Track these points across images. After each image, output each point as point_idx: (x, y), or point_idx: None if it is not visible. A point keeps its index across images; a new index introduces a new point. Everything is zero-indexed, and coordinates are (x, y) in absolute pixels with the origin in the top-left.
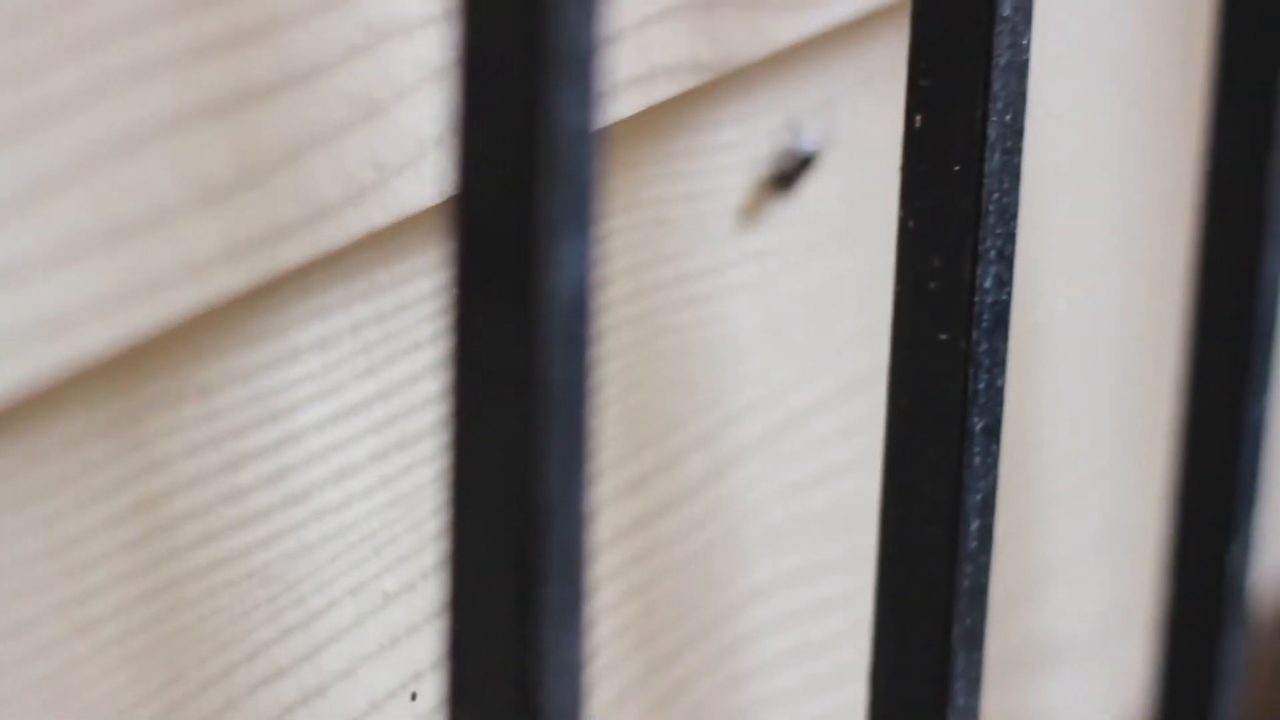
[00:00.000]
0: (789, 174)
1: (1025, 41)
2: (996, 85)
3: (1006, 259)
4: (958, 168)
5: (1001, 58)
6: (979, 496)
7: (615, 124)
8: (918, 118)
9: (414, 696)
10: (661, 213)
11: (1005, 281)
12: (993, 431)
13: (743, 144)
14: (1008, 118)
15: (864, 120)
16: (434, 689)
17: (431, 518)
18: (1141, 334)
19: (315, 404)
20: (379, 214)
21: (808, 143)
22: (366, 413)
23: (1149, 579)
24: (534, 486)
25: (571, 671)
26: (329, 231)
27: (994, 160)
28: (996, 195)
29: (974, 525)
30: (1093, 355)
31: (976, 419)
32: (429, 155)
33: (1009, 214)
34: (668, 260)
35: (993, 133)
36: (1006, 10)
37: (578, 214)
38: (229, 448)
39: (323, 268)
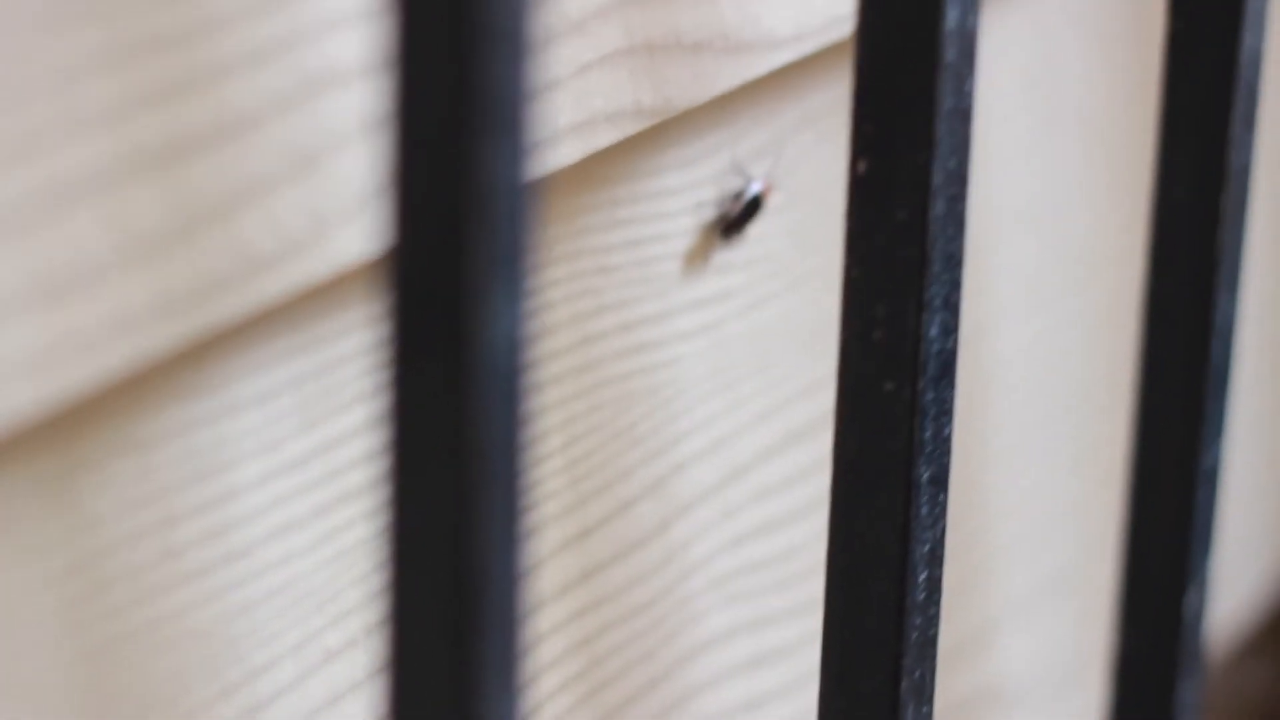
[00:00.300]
0: (735, 218)
1: (968, 88)
2: (941, 131)
3: (952, 307)
4: (902, 215)
5: (945, 103)
6: (926, 547)
7: (556, 171)
8: (861, 164)
9: None
10: (604, 261)
11: (951, 329)
12: (939, 481)
13: (687, 189)
14: (952, 164)
15: (810, 162)
16: None
17: (375, 573)
18: (1095, 379)
19: (255, 459)
20: (316, 267)
21: (753, 186)
22: (307, 467)
23: (1102, 625)
24: (468, 543)
25: None
26: (266, 285)
27: (938, 207)
28: (941, 243)
29: (922, 576)
30: (1046, 400)
31: (923, 468)
32: (366, 207)
33: (954, 261)
34: (611, 309)
35: (937, 179)
36: (950, 56)
37: (508, 267)
38: (166, 504)
39: (260, 322)
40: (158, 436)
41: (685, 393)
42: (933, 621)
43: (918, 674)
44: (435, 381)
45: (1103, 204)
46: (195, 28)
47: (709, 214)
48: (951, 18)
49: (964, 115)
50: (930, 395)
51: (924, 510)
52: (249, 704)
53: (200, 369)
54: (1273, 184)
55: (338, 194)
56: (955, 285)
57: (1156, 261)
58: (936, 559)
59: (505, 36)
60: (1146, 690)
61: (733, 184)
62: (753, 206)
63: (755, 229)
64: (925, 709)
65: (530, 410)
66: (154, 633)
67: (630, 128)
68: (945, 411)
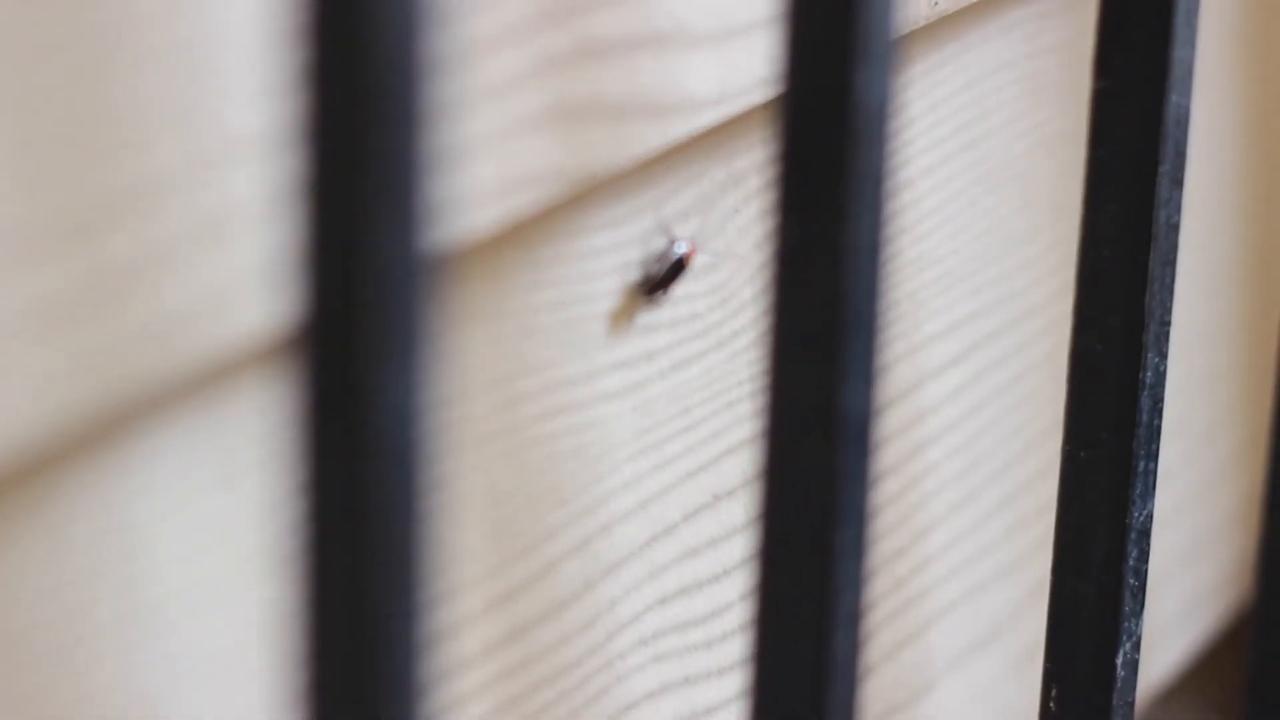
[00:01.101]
0: (660, 279)
1: (884, 153)
2: (856, 197)
3: (871, 373)
4: (819, 280)
5: (858, 168)
6: (847, 610)
7: (478, 234)
8: (779, 229)
9: None
10: (529, 322)
11: (869, 395)
12: (858, 546)
13: (612, 250)
14: (868, 230)
15: (735, 221)
16: None
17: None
18: (1036, 438)
19: (172, 532)
20: (224, 334)
21: (679, 247)
22: (224, 536)
23: (1034, 679)
24: (368, 613)
25: None
26: (174, 352)
27: (856, 273)
28: (859, 308)
29: (843, 639)
30: (984, 460)
31: (842, 533)
32: (270, 279)
33: (872, 326)
34: (536, 370)
35: (854, 245)
36: (861, 122)
37: (402, 336)
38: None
39: (171, 390)
40: (72, 498)
41: (611, 453)
42: (852, 686)
43: None
44: (332, 449)
45: (1043, 261)
46: (113, 101)
47: (634, 275)
48: (863, 82)
49: (879, 180)
50: (849, 460)
51: (844, 575)
52: None
53: (115, 431)
54: (1202, 218)
55: (243, 265)
56: (874, 351)
57: (1083, 320)
58: (855, 621)
59: (399, 106)
60: None
61: (658, 245)
62: (678, 267)
63: (680, 289)
64: None
65: (428, 478)
66: (71, 695)
67: (553, 192)
68: (864, 476)
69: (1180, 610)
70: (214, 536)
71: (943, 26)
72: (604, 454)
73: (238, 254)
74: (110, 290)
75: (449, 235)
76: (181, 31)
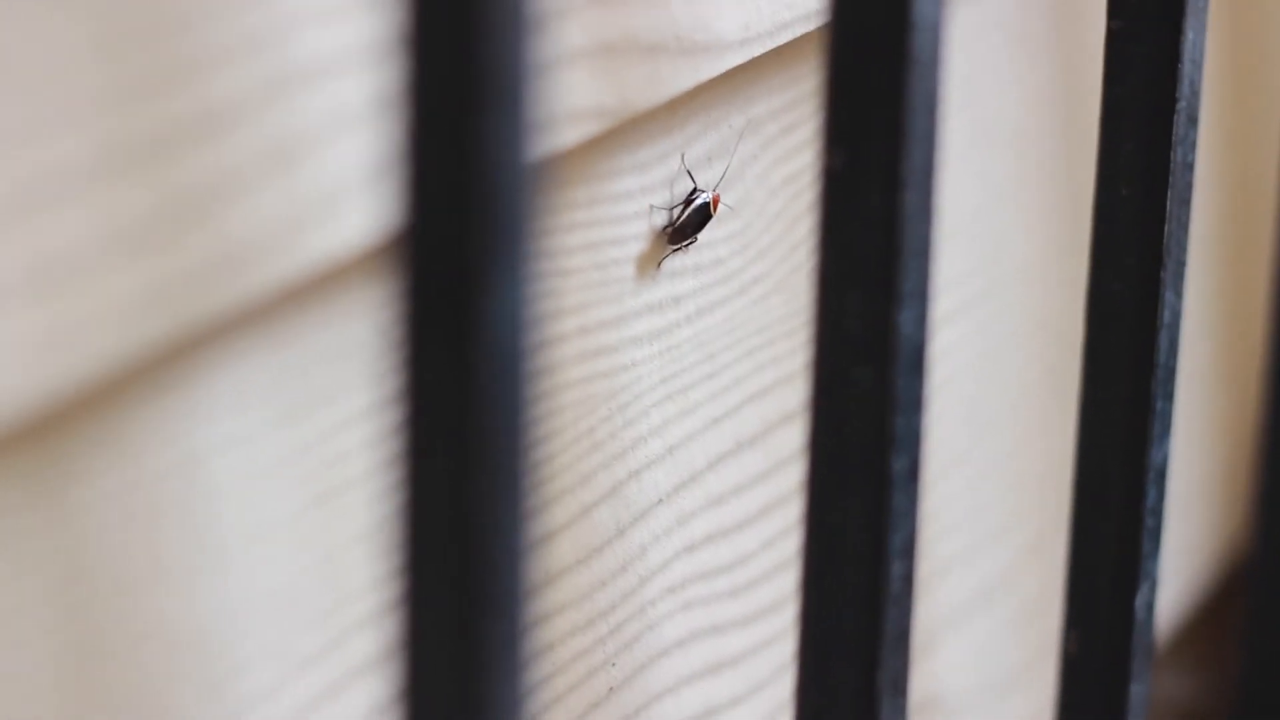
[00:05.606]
0: (684, 224)
1: (937, 80)
2: (911, 124)
3: (924, 298)
4: (874, 206)
5: (916, 96)
6: (901, 539)
7: None
8: (832, 156)
9: None
10: (564, 263)
11: (923, 320)
12: (913, 473)
13: (640, 193)
14: (922, 156)
15: (755, 167)
16: None
17: (357, 572)
18: (1031, 387)
19: (234, 454)
20: (295, 261)
21: (702, 193)
22: (286, 466)
23: (1035, 630)
24: (476, 522)
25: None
26: (248, 280)
27: (910, 198)
28: (913, 233)
29: (897, 568)
30: (983, 411)
31: (898, 460)
32: (348, 203)
33: (925, 252)
34: (572, 312)
35: (908, 171)
36: (919, 48)
37: (512, 246)
38: (149, 494)
39: (241, 317)
40: (139, 430)
41: (640, 398)
42: (907, 614)
43: (893, 666)
44: (440, 360)
45: (1035, 212)
46: (179, 21)
47: (660, 219)
48: (920, 10)
49: (933, 108)
50: (904, 386)
51: (899, 502)
52: (230, 706)
53: (182, 363)
54: (1208, 187)
55: (319, 190)
56: (926, 276)
57: (1100, 259)
58: (910, 551)
59: (508, 14)
60: (1097, 690)
61: (682, 190)
62: (703, 213)
63: (703, 235)
64: (900, 700)
65: (537, 391)
66: (136, 627)
67: (591, 128)
68: (918, 402)
69: (1172, 566)
70: (272, 472)
71: None
72: (634, 399)
73: (305, 180)
74: (186, 214)
75: (551, 144)
76: None
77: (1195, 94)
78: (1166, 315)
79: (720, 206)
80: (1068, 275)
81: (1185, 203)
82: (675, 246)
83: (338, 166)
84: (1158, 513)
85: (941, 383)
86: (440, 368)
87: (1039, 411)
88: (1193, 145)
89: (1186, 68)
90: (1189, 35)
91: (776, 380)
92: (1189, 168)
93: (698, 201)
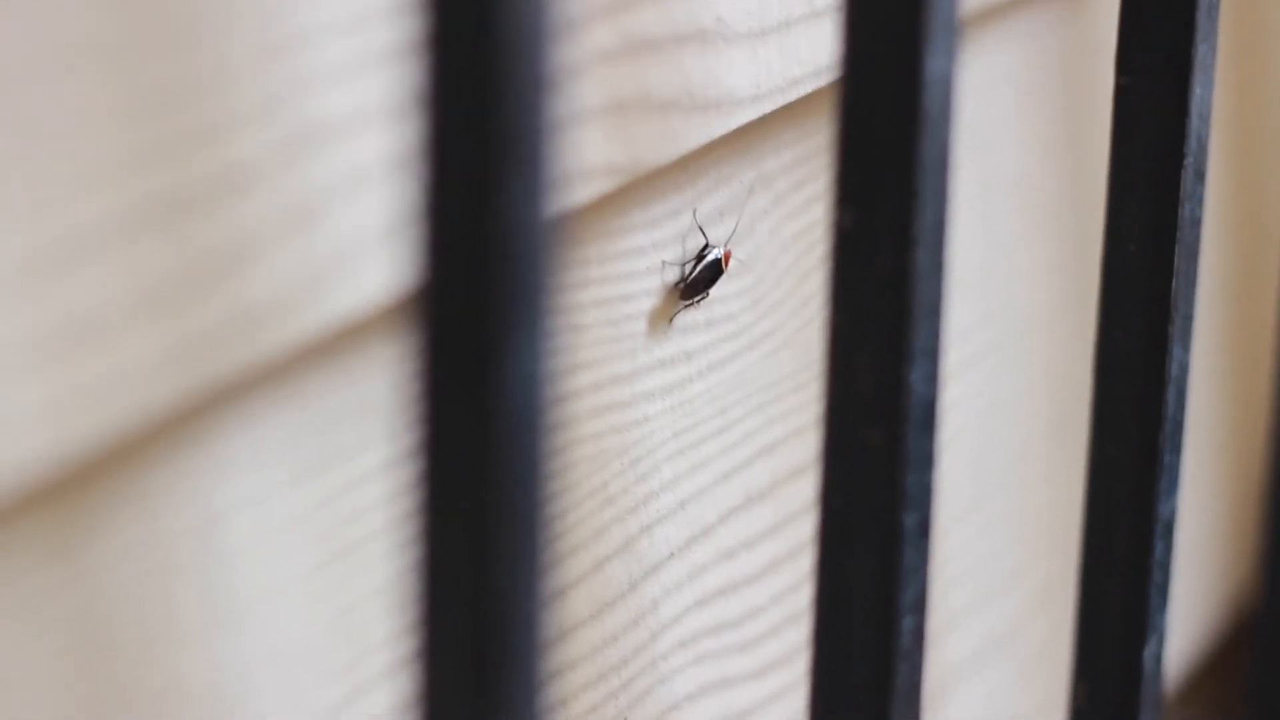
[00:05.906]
0: (696, 280)
1: (948, 137)
2: (922, 181)
3: (934, 355)
4: (885, 265)
5: (927, 153)
6: (911, 595)
7: None
8: (843, 214)
9: None
10: (576, 320)
11: (933, 378)
12: (924, 528)
13: (652, 249)
14: (933, 213)
15: (765, 222)
16: None
17: (372, 627)
18: (1036, 442)
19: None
20: (313, 321)
21: (714, 249)
22: (299, 524)
23: (1042, 682)
24: (493, 578)
25: None
26: (265, 340)
27: (921, 257)
28: (924, 291)
29: (907, 623)
30: (989, 465)
31: (908, 516)
32: (365, 261)
33: (936, 310)
34: (585, 367)
35: (919, 229)
36: (931, 105)
37: (531, 303)
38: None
39: (257, 376)
40: (157, 488)
41: (653, 453)
42: (918, 668)
43: None
44: (458, 417)
45: (1041, 266)
46: (198, 84)
47: (672, 275)
48: (932, 66)
49: (944, 165)
50: (915, 443)
51: (909, 558)
52: None
53: (200, 422)
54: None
55: (336, 248)
56: (937, 334)
57: (1108, 313)
58: (921, 606)
59: (527, 72)
60: None
61: (694, 245)
62: (713, 268)
63: (714, 290)
64: None
65: (553, 447)
66: (153, 684)
67: (603, 185)
68: (929, 459)
69: (1178, 616)
70: (288, 529)
71: None
72: (646, 454)
73: (323, 239)
74: (206, 275)
75: (565, 202)
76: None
77: (1203, 150)
78: (1174, 369)
79: (732, 262)
80: (1075, 329)
81: (1193, 257)
82: (687, 302)
83: (355, 225)
84: (1165, 566)
85: (949, 435)
86: (458, 424)
87: (1046, 464)
88: (1200, 201)
89: (1194, 123)
90: (1196, 91)
91: (787, 434)
92: (1196, 223)
93: (709, 257)
